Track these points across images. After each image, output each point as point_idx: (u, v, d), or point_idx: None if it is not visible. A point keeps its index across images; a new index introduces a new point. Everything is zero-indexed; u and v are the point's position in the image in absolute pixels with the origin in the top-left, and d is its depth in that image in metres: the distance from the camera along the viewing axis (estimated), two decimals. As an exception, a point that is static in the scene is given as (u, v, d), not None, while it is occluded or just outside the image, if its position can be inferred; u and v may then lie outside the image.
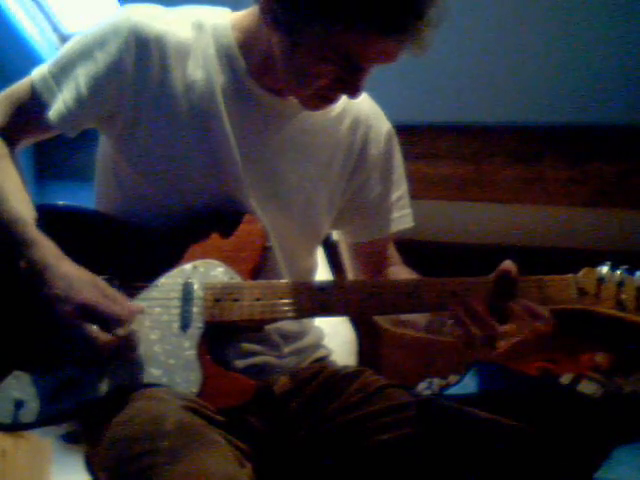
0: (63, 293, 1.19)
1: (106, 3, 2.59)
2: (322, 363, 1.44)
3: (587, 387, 2.17)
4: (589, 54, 2.09)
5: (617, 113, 2.16)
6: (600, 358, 2.30)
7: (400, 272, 1.47)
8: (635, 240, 2.25)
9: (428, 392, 2.33)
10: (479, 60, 2.18)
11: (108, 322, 1.19)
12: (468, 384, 2.29)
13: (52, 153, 2.78)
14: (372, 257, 1.48)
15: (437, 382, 2.39)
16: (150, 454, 1.07)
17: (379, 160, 1.44)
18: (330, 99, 1.27)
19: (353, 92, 1.24)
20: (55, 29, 2.77)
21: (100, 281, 1.22)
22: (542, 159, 2.33)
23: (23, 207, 1.27)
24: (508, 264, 1.24)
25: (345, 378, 1.37)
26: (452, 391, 2.30)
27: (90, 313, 1.18)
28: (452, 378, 2.38)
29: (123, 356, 1.21)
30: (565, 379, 2.23)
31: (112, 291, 1.22)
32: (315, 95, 1.25)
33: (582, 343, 2.35)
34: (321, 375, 1.39)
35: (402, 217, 1.47)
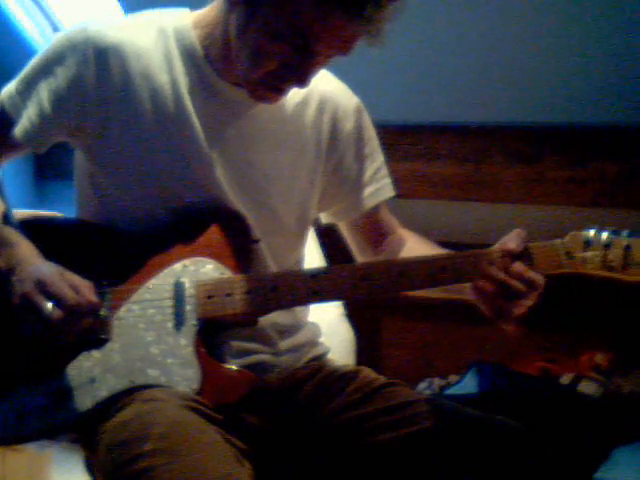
0: (25, 275, 1.22)
1: (106, 3, 2.59)
2: (320, 362, 1.44)
3: (587, 387, 2.18)
4: (589, 54, 2.09)
5: (617, 113, 2.16)
6: (600, 358, 2.30)
7: (406, 238, 1.48)
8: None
9: (428, 392, 2.33)
10: (479, 60, 2.18)
11: (61, 300, 1.19)
12: (468, 384, 2.29)
13: (52, 153, 2.77)
14: (370, 230, 1.49)
15: (437, 382, 2.39)
16: (145, 457, 1.08)
17: (351, 136, 1.44)
18: (278, 89, 1.27)
19: (301, 80, 1.23)
20: (55, 29, 2.77)
21: (67, 272, 1.23)
22: (542, 159, 2.33)
23: None
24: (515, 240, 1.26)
25: (343, 377, 1.37)
26: (452, 391, 2.31)
27: (46, 289, 1.20)
28: (452, 378, 2.38)
29: (92, 343, 1.23)
30: (565, 379, 2.23)
31: (77, 281, 1.22)
32: (263, 84, 1.25)
33: (582, 341, 2.35)
34: (319, 374, 1.39)
35: (383, 187, 1.47)
